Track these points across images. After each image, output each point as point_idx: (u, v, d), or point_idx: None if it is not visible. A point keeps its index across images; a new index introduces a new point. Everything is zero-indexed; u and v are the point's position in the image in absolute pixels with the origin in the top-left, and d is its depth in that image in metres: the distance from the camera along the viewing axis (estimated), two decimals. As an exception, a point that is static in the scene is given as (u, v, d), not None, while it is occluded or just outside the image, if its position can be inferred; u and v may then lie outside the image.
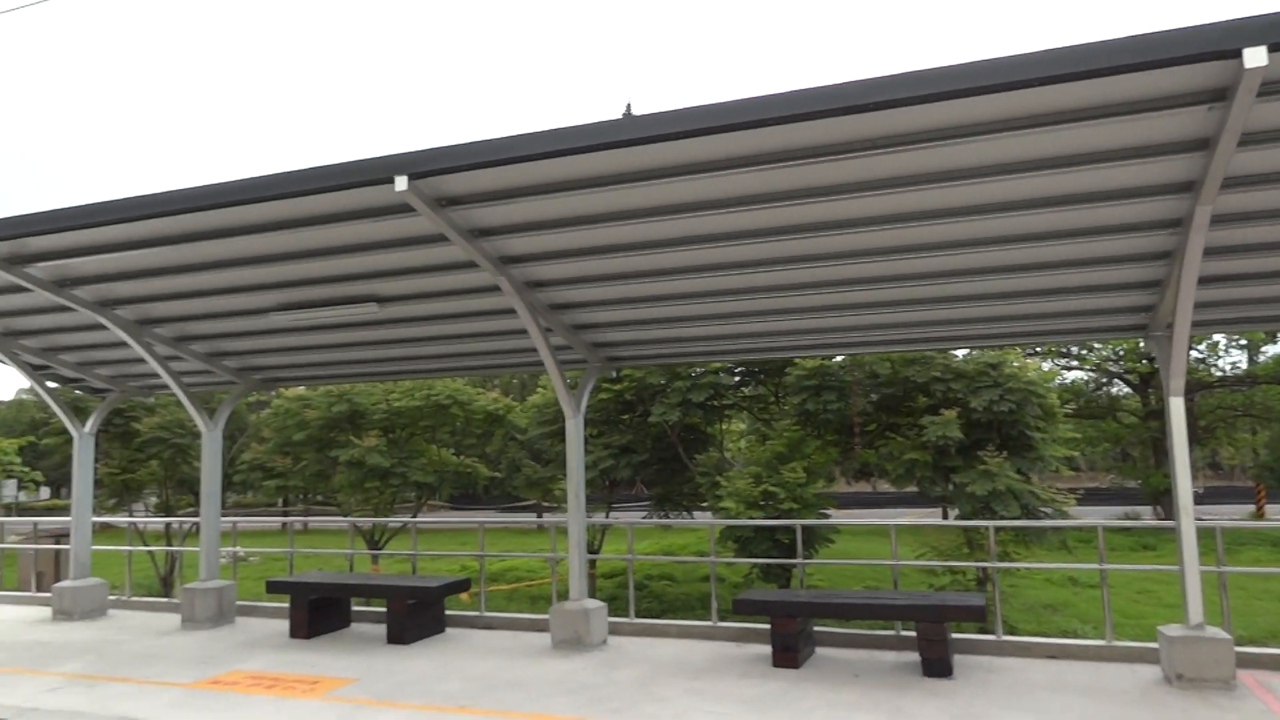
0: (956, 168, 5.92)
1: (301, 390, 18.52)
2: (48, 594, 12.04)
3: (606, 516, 16.93)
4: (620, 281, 8.02)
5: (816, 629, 8.49)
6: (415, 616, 9.16)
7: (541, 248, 7.54)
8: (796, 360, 15.30)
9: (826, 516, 14.00)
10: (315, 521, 28.39)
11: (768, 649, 8.25)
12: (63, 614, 10.97)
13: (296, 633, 9.46)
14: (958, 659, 7.65)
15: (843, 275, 7.63)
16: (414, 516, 18.08)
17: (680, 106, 5.67)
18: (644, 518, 17.81)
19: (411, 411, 17.87)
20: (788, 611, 7.70)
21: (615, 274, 7.95)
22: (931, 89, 5.00)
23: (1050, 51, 4.81)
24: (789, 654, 7.66)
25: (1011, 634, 9.58)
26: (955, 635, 8.02)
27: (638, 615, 9.82)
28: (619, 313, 8.78)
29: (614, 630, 9.24)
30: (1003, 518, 12.04)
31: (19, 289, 8.76)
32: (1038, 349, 27.46)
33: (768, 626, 8.57)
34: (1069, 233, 6.61)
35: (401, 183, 6.29)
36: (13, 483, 42.33)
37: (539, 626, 9.64)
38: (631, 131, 5.80)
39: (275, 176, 6.80)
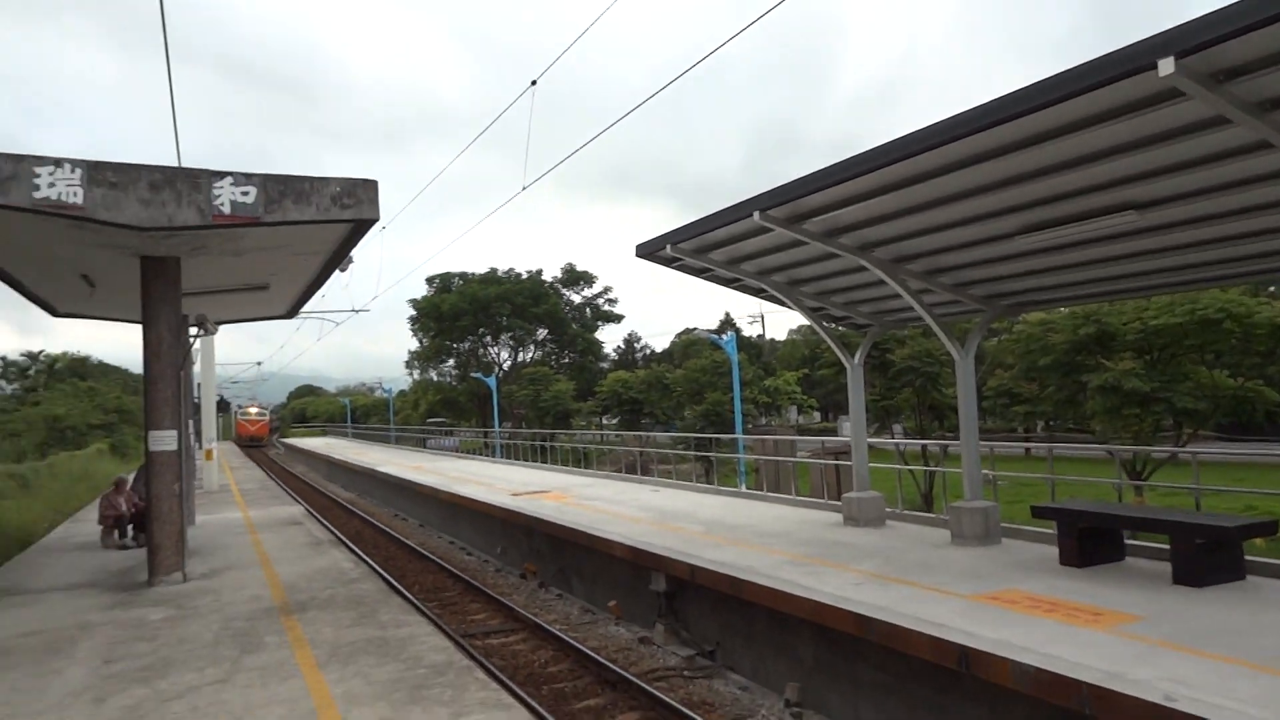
0: None
1: (1042, 314, 18.02)
2: (835, 501, 14.12)
3: None
4: None
5: None
6: (1207, 557, 8.13)
7: (1368, 106, 5.82)
8: None
9: None
10: (1061, 448, 27.56)
11: None
12: (850, 520, 12.72)
13: (1067, 560, 9.27)
14: None
15: None
16: (1179, 445, 16.14)
17: None
18: None
19: (1172, 329, 15.87)
20: None
21: None
22: None
23: None
24: None
25: None
26: None
27: None
28: None
29: None
30: None
31: (797, 243, 10.30)
32: None
33: None
34: None
35: (1167, 65, 5.48)
36: (794, 408, 50.93)
37: (1382, 588, 7.68)
38: None
39: (1014, 95, 6.59)
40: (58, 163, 8.39)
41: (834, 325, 14.13)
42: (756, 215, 9.56)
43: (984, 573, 9.10)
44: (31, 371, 56.62)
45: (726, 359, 30.05)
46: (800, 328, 75.27)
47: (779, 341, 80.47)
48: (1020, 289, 10.99)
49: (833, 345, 12.94)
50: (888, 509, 13.12)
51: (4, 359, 55.55)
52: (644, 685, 8.89)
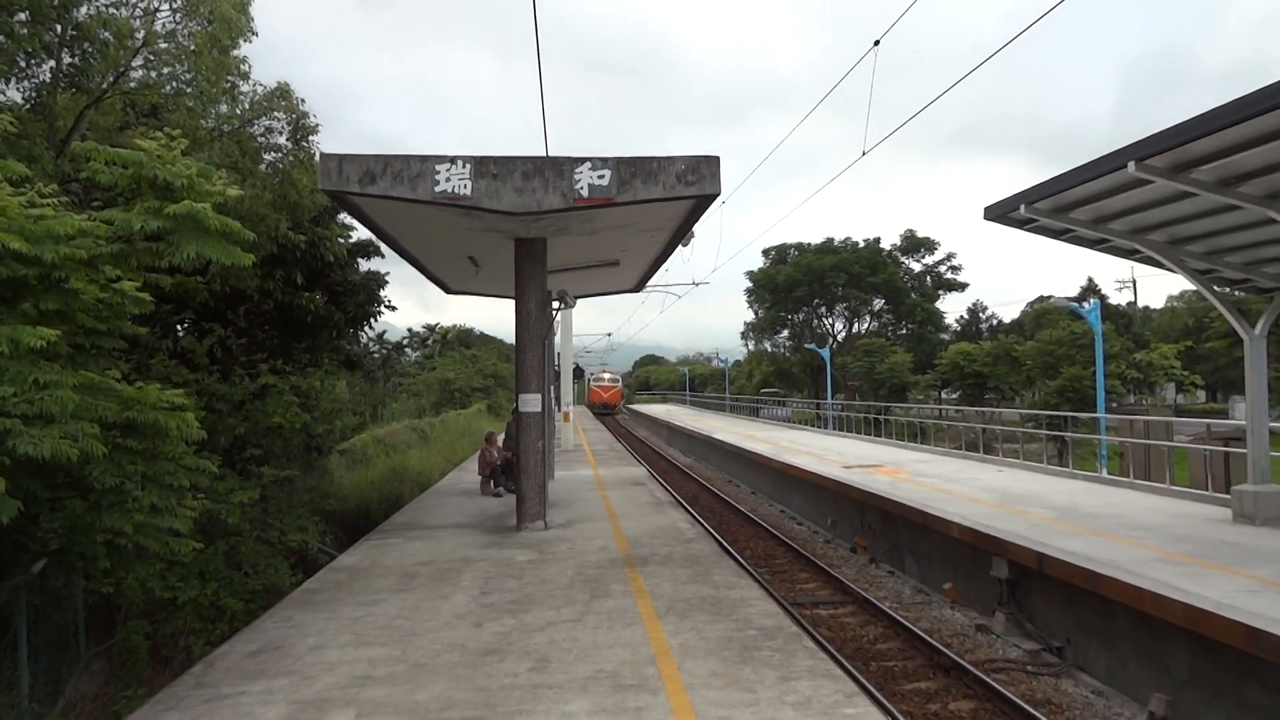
0: None
1: None
2: (1222, 495, 12.18)
3: None
4: None
5: None
6: None
7: None
8: None
9: None
10: None
11: None
12: (1243, 517, 10.91)
13: None
14: None
15: None
16: None
17: None
18: None
19: None
20: None
21: None
22: None
23: None
24: None
25: None
26: None
27: None
28: None
29: None
30: None
31: (1182, 196, 8.94)
32: None
33: None
34: None
35: None
36: (1172, 386, 44.55)
37: None
38: None
39: None
40: (452, 160, 9.68)
41: (1228, 290, 12.10)
42: (1132, 166, 8.45)
43: None
44: (430, 341, 66.33)
45: (1087, 330, 27.07)
46: (1183, 293, 65.63)
47: (1154, 310, 70.89)
48: None
49: (1225, 313, 11.10)
50: None
51: (410, 330, 65.70)
52: (980, 675, 8.41)
